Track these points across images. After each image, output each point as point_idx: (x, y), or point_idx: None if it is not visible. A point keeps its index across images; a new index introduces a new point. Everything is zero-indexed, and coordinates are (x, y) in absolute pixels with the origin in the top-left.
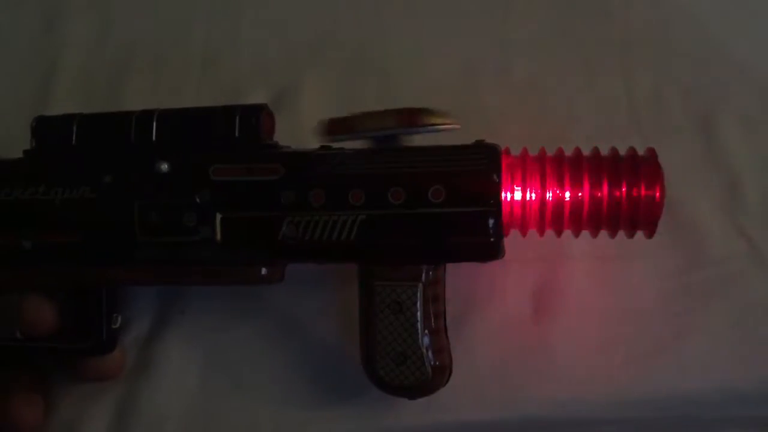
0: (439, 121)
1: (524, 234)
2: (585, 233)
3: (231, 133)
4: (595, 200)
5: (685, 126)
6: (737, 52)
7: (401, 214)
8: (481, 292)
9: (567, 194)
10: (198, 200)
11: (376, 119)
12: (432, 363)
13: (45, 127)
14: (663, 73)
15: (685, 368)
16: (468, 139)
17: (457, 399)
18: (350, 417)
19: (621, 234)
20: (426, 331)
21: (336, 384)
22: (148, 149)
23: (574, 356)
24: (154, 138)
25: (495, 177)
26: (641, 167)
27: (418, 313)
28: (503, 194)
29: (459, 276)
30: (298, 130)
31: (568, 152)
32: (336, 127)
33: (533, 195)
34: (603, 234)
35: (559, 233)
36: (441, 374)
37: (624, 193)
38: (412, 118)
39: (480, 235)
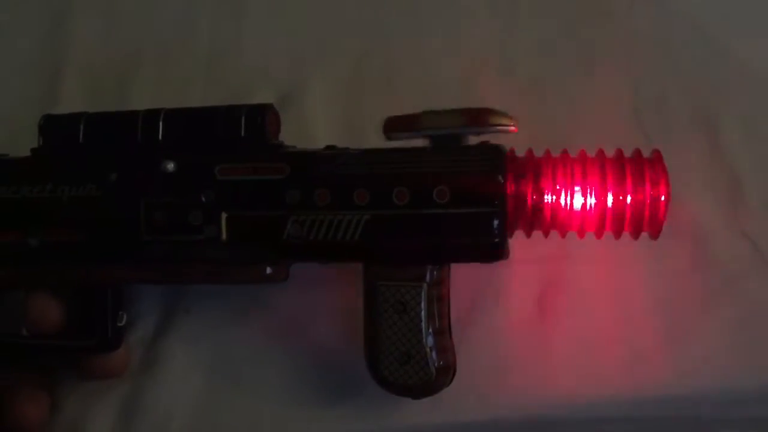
0: (503, 121)
1: (528, 235)
2: (589, 234)
3: (237, 132)
4: (600, 202)
5: (687, 127)
6: (740, 53)
7: (406, 215)
8: (486, 292)
9: (572, 196)
10: (204, 199)
11: (440, 118)
12: (436, 363)
13: (52, 126)
14: (665, 74)
15: (685, 369)
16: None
17: (461, 399)
18: (354, 416)
19: (625, 235)
20: (430, 331)
21: (340, 383)
22: (154, 148)
23: (576, 356)
24: (160, 137)
25: (499, 178)
26: (647, 169)
27: (422, 313)
28: (508, 195)
29: (464, 276)
30: (303, 130)
31: (573, 154)
32: (396, 124)
33: (538, 196)
34: (607, 235)
35: (563, 234)
36: (445, 374)
37: (630, 195)
38: (479, 117)
39: (484, 235)
